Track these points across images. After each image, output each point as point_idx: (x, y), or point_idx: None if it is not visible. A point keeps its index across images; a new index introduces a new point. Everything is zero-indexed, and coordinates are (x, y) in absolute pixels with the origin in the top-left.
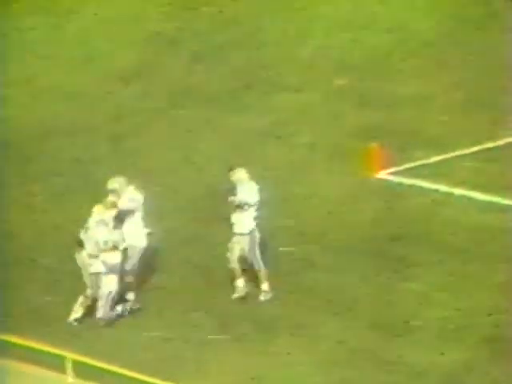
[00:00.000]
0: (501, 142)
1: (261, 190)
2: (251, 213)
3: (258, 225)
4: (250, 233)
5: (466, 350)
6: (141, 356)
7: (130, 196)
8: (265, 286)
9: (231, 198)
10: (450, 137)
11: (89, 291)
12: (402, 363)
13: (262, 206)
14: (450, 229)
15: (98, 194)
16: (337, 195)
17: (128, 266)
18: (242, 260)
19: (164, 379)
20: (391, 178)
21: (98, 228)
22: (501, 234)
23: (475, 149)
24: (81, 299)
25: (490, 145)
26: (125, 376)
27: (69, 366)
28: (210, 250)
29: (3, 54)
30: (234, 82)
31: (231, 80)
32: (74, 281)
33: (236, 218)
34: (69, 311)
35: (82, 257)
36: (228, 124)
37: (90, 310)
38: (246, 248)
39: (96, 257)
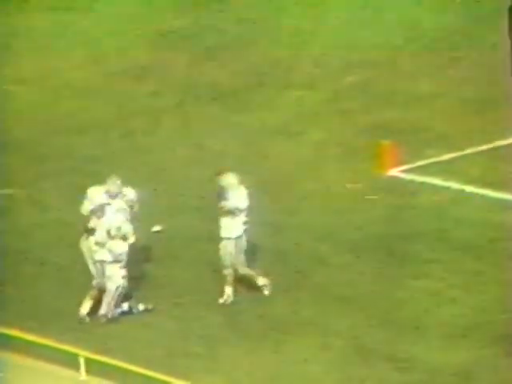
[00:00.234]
0: None
1: (271, 188)
2: (241, 218)
3: (246, 230)
4: (237, 238)
5: (478, 347)
6: (151, 353)
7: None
8: (261, 281)
9: (223, 203)
10: (462, 134)
11: (94, 281)
12: (414, 361)
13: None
14: (461, 226)
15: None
16: (348, 193)
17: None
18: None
19: (175, 376)
20: (403, 175)
21: (116, 215)
22: None
23: (487, 146)
24: (89, 292)
25: (502, 142)
26: (135, 373)
27: (81, 363)
28: None
29: (15, 51)
30: (245, 80)
31: (242, 77)
32: (85, 279)
33: (225, 222)
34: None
35: (89, 243)
36: (239, 121)
37: (99, 305)
38: (233, 252)
39: (103, 246)
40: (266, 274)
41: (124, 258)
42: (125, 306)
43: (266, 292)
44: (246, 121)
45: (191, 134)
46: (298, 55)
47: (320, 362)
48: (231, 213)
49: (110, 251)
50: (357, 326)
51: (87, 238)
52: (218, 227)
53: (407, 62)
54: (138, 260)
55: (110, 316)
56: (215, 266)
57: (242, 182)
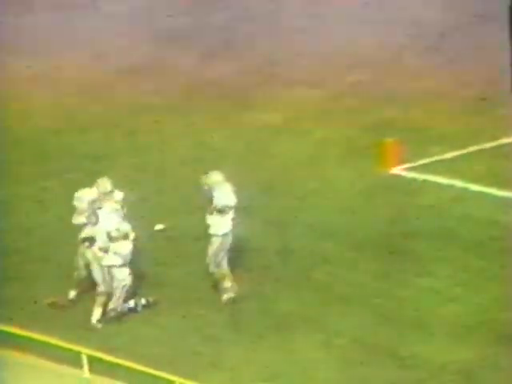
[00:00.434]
0: None
1: (274, 186)
2: (230, 215)
3: (233, 227)
4: (224, 235)
5: (481, 345)
6: (155, 351)
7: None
8: (227, 284)
9: (214, 203)
10: (465, 132)
11: (101, 287)
12: (418, 359)
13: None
14: (465, 224)
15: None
16: (351, 191)
17: None
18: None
19: (178, 374)
20: (406, 173)
21: (110, 216)
22: None
23: (490, 144)
24: (97, 300)
25: (506, 141)
26: (139, 371)
27: (84, 362)
28: None
29: (19, 49)
30: (248, 78)
31: (245, 76)
32: (86, 277)
33: (213, 220)
34: (82, 307)
35: (94, 251)
36: (242, 119)
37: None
38: (214, 248)
39: (106, 250)
40: (269, 272)
41: (130, 256)
42: (131, 303)
43: (225, 296)
44: (249, 119)
45: (194, 133)
46: (301, 53)
47: (324, 359)
48: (221, 211)
49: (117, 254)
50: (360, 324)
51: (89, 246)
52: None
53: (410, 61)
54: (142, 258)
55: (119, 309)
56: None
57: (227, 180)
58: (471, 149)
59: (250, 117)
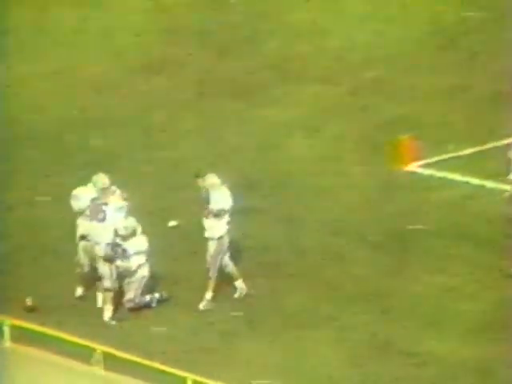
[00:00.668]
0: None
1: (288, 183)
2: (226, 218)
3: (229, 230)
4: (219, 238)
5: (494, 343)
6: (168, 347)
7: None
8: (208, 295)
9: (210, 207)
10: (482, 129)
11: (108, 283)
12: (431, 356)
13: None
14: (480, 221)
15: (127, 186)
16: (366, 188)
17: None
18: (222, 267)
19: (191, 371)
20: (422, 170)
21: (117, 214)
22: None
23: (507, 141)
24: (101, 296)
25: None
26: (152, 368)
27: (98, 358)
28: (238, 240)
29: (35, 46)
30: (263, 75)
31: (260, 72)
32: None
33: (209, 223)
34: (95, 303)
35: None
36: (256, 116)
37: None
38: (211, 252)
39: (111, 260)
40: (282, 269)
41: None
42: (147, 297)
43: (202, 307)
44: (264, 116)
45: (209, 129)
46: (317, 49)
47: (336, 356)
48: (217, 215)
49: (140, 253)
50: (373, 321)
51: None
52: (237, 220)
53: (427, 57)
54: (155, 255)
55: (137, 300)
56: (232, 261)
57: (223, 182)
58: (488, 145)
59: (265, 113)
